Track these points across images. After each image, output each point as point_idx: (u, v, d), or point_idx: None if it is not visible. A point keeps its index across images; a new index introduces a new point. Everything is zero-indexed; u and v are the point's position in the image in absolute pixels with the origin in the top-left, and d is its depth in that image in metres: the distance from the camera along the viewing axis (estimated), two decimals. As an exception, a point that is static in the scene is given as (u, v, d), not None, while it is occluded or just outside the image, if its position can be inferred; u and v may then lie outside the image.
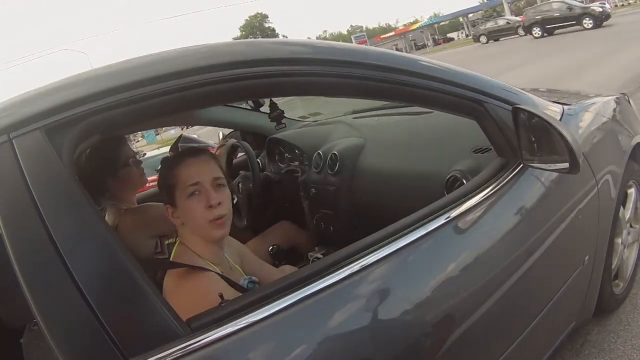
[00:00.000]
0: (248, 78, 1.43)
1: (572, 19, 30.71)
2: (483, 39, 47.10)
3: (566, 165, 1.67)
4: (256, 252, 2.56)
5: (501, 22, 48.89)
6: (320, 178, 3.20)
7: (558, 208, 2.00)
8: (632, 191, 2.90)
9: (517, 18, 50.48)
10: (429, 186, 2.37)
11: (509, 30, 45.07)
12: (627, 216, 2.83)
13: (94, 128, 1.29)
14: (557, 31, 31.49)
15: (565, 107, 2.41)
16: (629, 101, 3.26)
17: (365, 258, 1.44)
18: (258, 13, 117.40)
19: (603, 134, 2.54)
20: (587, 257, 2.25)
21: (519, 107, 1.80)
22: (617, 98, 3.04)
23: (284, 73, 1.49)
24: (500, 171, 1.86)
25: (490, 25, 49.66)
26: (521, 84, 2.66)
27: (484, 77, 1.96)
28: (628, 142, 2.75)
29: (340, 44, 1.73)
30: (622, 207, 2.72)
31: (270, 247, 2.96)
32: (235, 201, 3.25)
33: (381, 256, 1.46)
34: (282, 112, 2.97)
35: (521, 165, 1.85)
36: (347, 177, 3.03)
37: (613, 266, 2.72)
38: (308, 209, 3.29)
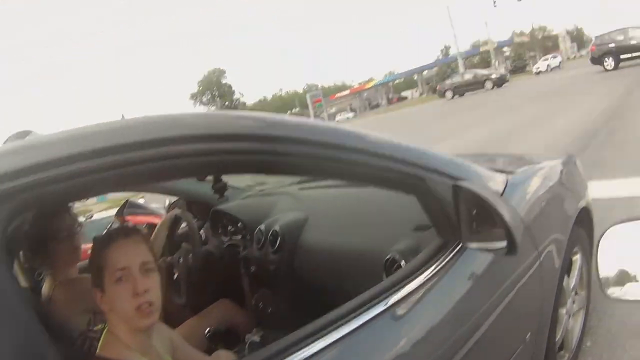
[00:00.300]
0: (194, 155, 1.34)
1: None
2: (449, 94, 47.28)
3: (504, 245, 1.64)
4: (193, 333, 2.53)
5: (468, 75, 49.16)
6: (261, 255, 3.12)
7: (498, 287, 1.93)
8: (577, 258, 2.86)
9: (484, 71, 51.53)
10: (369, 267, 2.29)
11: (477, 84, 45.50)
12: (572, 284, 2.78)
13: (31, 202, 1.19)
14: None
15: (510, 176, 2.36)
16: (575, 163, 3.28)
17: (299, 353, 1.36)
18: (216, 68, 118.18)
19: (547, 201, 2.52)
20: (529, 334, 2.18)
21: (458, 185, 1.75)
22: (563, 161, 3.06)
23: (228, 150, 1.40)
24: (439, 252, 1.79)
25: (456, 79, 49.76)
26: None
27: (426, 151, 1.88)
28: (573, 207, 2.75)
29: (285, 118, 1.65)
30: (566, 276, 2.67)
31: (207, 330, 2.85)
32: (175, 276, 3.17)
33: (315, 350, 1.38)
34: (225, 183, 2.92)
35: (460, 245, 1.79)
36: (288, 255, 2.96)
37: (557, 338, 2.65)
38: (248, 288, 3.24)
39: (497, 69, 65.96)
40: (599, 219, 4.62)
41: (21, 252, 2.45)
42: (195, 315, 3.01)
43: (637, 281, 1.15)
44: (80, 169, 1.18)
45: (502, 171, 2.43)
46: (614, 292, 1.20)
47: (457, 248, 1.79)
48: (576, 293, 2.86)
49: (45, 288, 2.49)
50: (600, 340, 3.16)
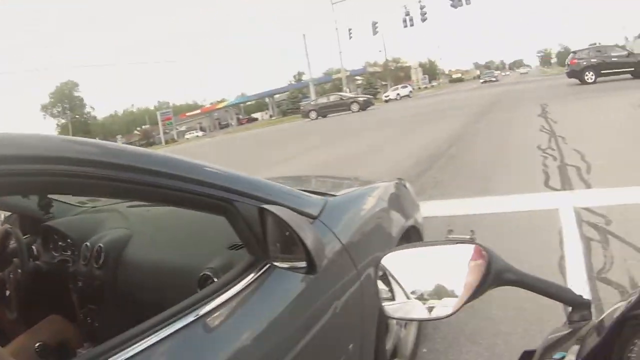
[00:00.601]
0: (26, 175, 1.35)
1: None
2: (313, 114, 48.05)
3: (304, 265, 1.70)
4: (23, 349, 2.49)
5: (334, 97, 49.98)
6: (87, 271, 3.06)
7: (312, 303, 2.01)
8: None
9: (351, 94, 52.64)
10: (186, 282, 2.31)
11: (342, 106, 46.40)
12: None
13: None
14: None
15: (330, 198, 2.45)
16: (405, 186, 3.44)
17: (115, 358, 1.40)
18: (69, 81, 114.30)
19: (369, 221, 2.63)
20: (352, 345, 2.27)
21: (264, 208, 1.80)
22: (392, 184, 3.21)
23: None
24: (249, 269, 1.86)
25: (321, 100, 50.55)
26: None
27: (234, 175, 1.94)
28: (399, 227, 2.86)
29: (107, 144, 1.65)
30: None
31: (37, 345, 2.70)
32: (7, 293, 3.10)
33: (130, 355, 1.42)
34: (50, 200, 2.97)
35: (269, 264, 1.85)
36: (112, 270, 2.93)
37: (388, 347, 2.77)
38: (77, 303, 3.14)
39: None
40: (436, 235, 4.87)
41: None
42: (25, 332, 2.92)
43: (408, 299, 1.28)
44: None
45: (323, 193, 2.53)
46: (391, 310, 1.32)
47: (266, 266, 1.85)
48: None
49: None
50: (437, 347, 3.36)
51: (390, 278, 1.33)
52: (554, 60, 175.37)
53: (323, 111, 47.27)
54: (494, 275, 1.13)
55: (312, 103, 50.88)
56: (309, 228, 1.75)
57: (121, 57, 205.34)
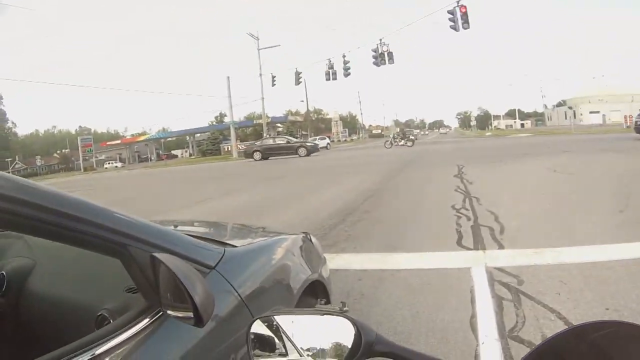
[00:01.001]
0: None
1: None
2: (257, 155, 48.27)
3: (192, 318, 1.67)
4: None
5: (280, 140, 50.70)
6: None
7: (205, 354, 1.97)
8: None
9: (295, 139, 53.23)
10: (84, 320, 2.27)
11: (289, 150, 47.21)
12: None
13: None
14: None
15: (228, 249, 2.42)
16: (310, 240, 3.41)
17: None
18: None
19: (270, 273, 2.61)
20: None
21: (155, 256, 1.74)
22: (297, 236, 3.21)
23: None
24: (143, 314, 1.82)
25: (267, 142, 51.06)
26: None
27: (129, 219, 1.92)
28: (302, 279, 2.85)
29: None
30: None
31: None
32: None
33: None
34: None
35: (161, 312, 1.82)
36: (14, 300, 2.85)
37: None
38: None
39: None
40: (347, 289, 4.54)
41: None
42: None
43: None
44: None
45: (224, 243, 2.54)
46: None
47: (159, 314, 1.83)
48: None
49: None
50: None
51: (262, 341, 1.38)
52: (473, 122, 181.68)
53: (267, 153, 47.48)
54: (364, 347, 1.14)
55: (257, 144, 50.97)
56: (198, 281, 1.72)
57: (48, 74, 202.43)
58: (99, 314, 2.18)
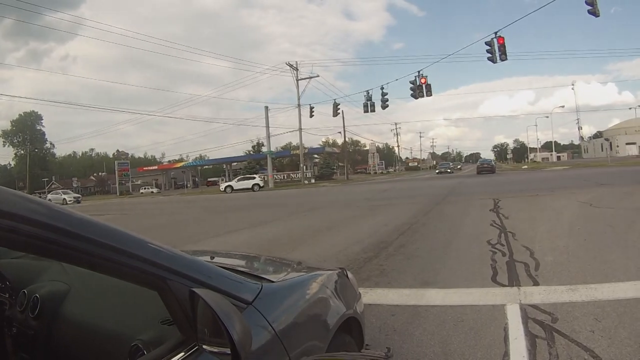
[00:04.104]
0: None
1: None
2: (228, 189, 54.20)
3: (229, 354, 1.68)
4: None
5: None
6: (23, 318, 2.97)
7: None
8: None
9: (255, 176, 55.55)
10: (116, 348, 2.29)
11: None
12: None
13: None
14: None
15: (265, 284, 2.42)
16: (346, 275, 3.41)
17: None
18: (33, 112, 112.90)
19: (306, 310, 2.59)
20: None
21: (194, 291, 1.78)
22: (334, 272, 3.21)
23: None
24: (177, 348, 1.83)
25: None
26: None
27: (170, 252, 1.93)
28: (337, 316, 2.83)
29: (41, 202, 1.60)
30: None
31: None
32: None
33: None
34: None
35: (197, 346, 1.82)
36: (47, 323, 2.84)
37: None
38: (10, 349, 3.03)
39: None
40: (379, 324, 4.54)
41: None
42: None
43: None
44: None
45: (261, 277, 2.55)
46: None
47: (194, 349, 1.82)
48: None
49: None
50: None
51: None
52: (509, 155, 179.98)
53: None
54: None
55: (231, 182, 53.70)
56: (237, 317, 1.74)
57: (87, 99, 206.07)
58: (133, 344, 2.18)
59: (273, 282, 2.55)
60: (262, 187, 65.65)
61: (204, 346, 1.79)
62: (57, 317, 2.88)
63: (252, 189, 63.71)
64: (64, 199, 66.56)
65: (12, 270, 3.44)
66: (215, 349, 1.76)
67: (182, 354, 1.81)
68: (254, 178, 68.14)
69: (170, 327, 2.12)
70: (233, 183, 68.04)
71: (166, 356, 1.80)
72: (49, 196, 70.05)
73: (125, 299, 2.68)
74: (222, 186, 68.87)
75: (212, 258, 3.01)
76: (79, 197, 70.57)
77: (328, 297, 2.90)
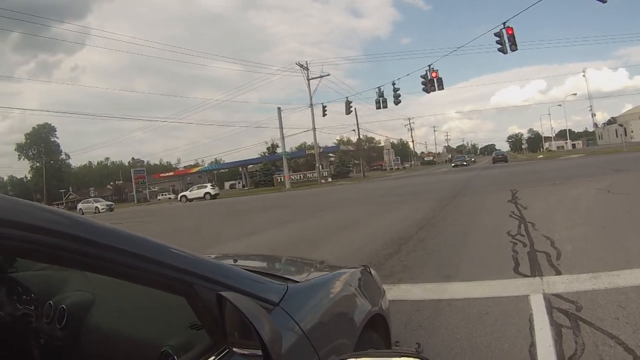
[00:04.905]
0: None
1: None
2: (183, 199, 59.77)
3: (260, 356, 1.68)
4: None
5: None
6: (50, 330, 2.98)
7: None
8: None
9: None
10: (145, 355, 2.31)
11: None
12: None
13: None
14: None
15: (291, 284, 2.42)
16: (370, 272, 3.41)
17: None
18: (46, 124, 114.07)
19: (332, 308, 2.59)
20: None
21: (222, 294, 1.78)
22: (357, 270, 3.20)
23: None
24: (208, 353, 1.84)
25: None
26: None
27: (195, 258, 1.94)
28: (364, 313, 2.83)
29: (63, 214, 1.60)
30: None
31: None
32: None
33: None
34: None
35: (227, 350, 1.82)
36: (74, 333, 2.86)
37: None
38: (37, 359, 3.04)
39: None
40: (404, 320, 4.72)
41: None
42: None
43: None
44: None
45: (285, 278, 2.55)
46: None
47: (225, 352, 1.83)
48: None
49: None
50: None
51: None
52: (524, 145, 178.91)
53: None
54: None
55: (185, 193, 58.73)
56: (266, 319, 1.74)
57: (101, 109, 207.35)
58: (162, 350, 2.19)
59: (298, 282, 2.56)
60: (214, 195, 69.07)
61: (234, 349, 1.79)
62: (84, 326, 2.90)
63: (204, 197, 67.80)
64: (97, 207, 67.19)
65: (36, 282, 3.48)
66: (245, 351, 1.77)
67: (213, 357, 1.81)
68: (207, 187, 72.31)
69: (198, 331, 2.12)
70: (187, 193, 72.47)
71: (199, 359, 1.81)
72: (80, 205, 70.99)
73: (151, 305, 2.70)
74: (178, 196, 74.54)
75: (235, 261, 3.01)
76: (111, 204, 70.70)
77: (353, 294, 2.91)
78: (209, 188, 71.48)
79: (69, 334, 2.86)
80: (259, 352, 1.69)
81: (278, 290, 2.28)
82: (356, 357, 1.46)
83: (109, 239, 1.63)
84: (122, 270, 1.68)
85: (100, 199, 76.90)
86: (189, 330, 2.24)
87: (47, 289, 3.33)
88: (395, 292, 6.68)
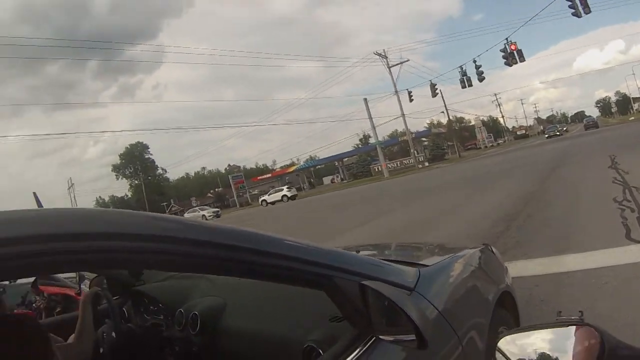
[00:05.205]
0: (116, 251, 1.37)
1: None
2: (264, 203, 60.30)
3: (415, 342, 1.69)
4: None
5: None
6: (184, 336, 3.11)
7: None
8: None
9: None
10: (287, 353, 2.34)
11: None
12: None
13: None
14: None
15: (422, 269, 2.42)
16: (492, 250, 3.42)
17: None
18: (139, 142, 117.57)
19: (465, 289, 2.61)
20: None
21: (365, 284, 1.80)
22: (479, 249, 3.19)
23: (155, 250, 1.45)
24: (354, 343, 1.84)
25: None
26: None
27: (333, 251, 1.99)
28: (493, 291, 2.84)
29: (200, 223, 1.67)
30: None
31: None
32: (101, 351, 3.10)
33: None
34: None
35: (374, 337, 1.83)
36: (209, 338, 2.97)
37: None
38: None
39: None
40: (525, 296, 4.74)
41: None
42: None
43: None
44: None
45: (415, 264, 2.54)
46: None
47: (371, 340, 1.84)
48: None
49: None
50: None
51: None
52: (614, 109, 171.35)
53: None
54: (608, 354, 1.14)
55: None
56: (411, 303, 1.75)
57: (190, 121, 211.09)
58: (305, 345, 2.19)
59: (427, 266, 2.55)
60: (292, 196, 71.86)
61: (381, 337, 1.80)
62: (219, 330, 2.96)
63: (281, 199, 70.22)
64: (203, 215, 67.90)
65: (163, 293, 3.62)
66: (392, 338, 1.78)
67: (360, 347, 1.81)
68: (283, 190, 75.63)
69: (339, 323, 2.14)
70: (267, 197, 76.64)
71: (346, 352, 1.81)
72: (186, 215, 71.50)
73: (285, 303, 2.74)
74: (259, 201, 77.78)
75: (358, 252, 2.86)
76: (217, 211, 71.74)
77: (481, 273, 2.91)
78: (285, 191, 74.27)
79: (204, 339, 2.95)
80: (406, 337, 1.72)
81: (412, 276, 2.29)
82: (518, 331, 1.44)
83: (246, 242, 1.67)
84: (262, 271, 1.72)
85: (205, 207, 78.31)
86: (330, 322, 2.26)
87: (174, 297, 3.44)
88: (511, 269, 6.15)
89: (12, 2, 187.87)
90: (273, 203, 69.82)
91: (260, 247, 1.69)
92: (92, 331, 2.91)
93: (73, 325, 2.89)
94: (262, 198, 76.49)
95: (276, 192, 74.62)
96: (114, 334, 3.11)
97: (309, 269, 1.79)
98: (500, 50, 42.64)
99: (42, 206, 2.55)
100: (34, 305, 6.75)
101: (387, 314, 1.76)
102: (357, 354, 1.79)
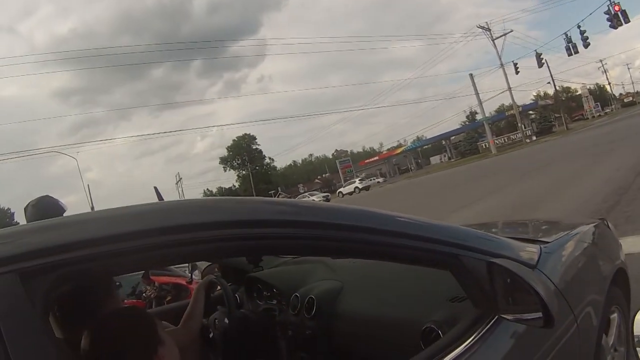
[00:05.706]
0: (237, 239, 1.40)
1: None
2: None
3: (539, 316, 1.67)
4: None
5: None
6: (298, 321, 3.14)
7: (536, 352, 1.93)
8: (614, 316, 2.81)
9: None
10: (406, 335, 2.31)
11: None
12: (611, 342, 2.73)
13: (74, 276, 1.23)
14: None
15: (543, 246, 2.38)
16: (608, 226, 3.31)
17: None
18: (246, 134, 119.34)
19: (582, 266, 2.55)
20: None
21: (493, 262, 1.78)
22: (596, 225, 3.09)
23: (276, 236, 1.47)
24: (477, 323, 1.81)
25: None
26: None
27: (460, 229, 1.98)
28: (609, 269, 2.77)
29: (321, 204, 1.71)
30: (604, 335, 2.61)
31: None
32: (211, 335, 3.17)
33: None
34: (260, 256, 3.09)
35: (497, 317, 1.81)
36: (324, 321, 2.97)
37: None
38: (285, 351, 3.17)
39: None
40: (636, 273, 4.26)
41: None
42: None
43: None
44: (129, 247, 1.23)
45: (535, 240, 2.51)
46: None
47: (494, 320, 1.81)
48: (615, 349, 2.79)
49: None
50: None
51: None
52: None
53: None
54: None
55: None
56: (540, 280, 1.73)
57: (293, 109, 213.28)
58: (424, 327, 2.16)
59: (548, 242, 2.48)
60: (364, 187, 74.29)
61: (504, 316, 1.78)
62: (335, 314, 2.97)
63: (354, 191, 73.68)
64: (313, 200, 66.93)
65: (278, 278, 3.67)
66: (516, 317, 1.76)
67: (482, 327, 1.78)
68: (355, 182, 78.28)
69: (460, 303, 2.14)
70: (342, 189, 79.38)
71: (467, 332, 1.77)
72: None
73: (403, 284, 2.73)
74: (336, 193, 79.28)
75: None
76: (327, 195, 71.72)
77: (598, 250, 2.83)
78: (357, 183, 76.55)
79: (319, 323, 2.96)
80: (531, 316, 1.69)
81: (534, 253, 2.25)
82: None
83: (370, 222, 1.68)
84: (385, 251, 1.72)
85: (315, 192, 78.64)
86: (450, 303, 2.24)
87: (290, 282, 3.48)
88: (622, 245, 6.01)
89: (110, 16, 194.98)
90: (350, 194, 71.59)
91: (386, 227, 1.70)
92: (200, 315, 2.98)
93: (184, 313, 2.97)
94: (339, 190, 79.35)
95: (350, 184, 77.19)
96: (226, 319, 3.14)
97: (435, 248, 1.77)
98: (604, 13, 41.26)
99: (162, 199, 2.83)
100: (144, 295, 7.35)
101: (512, 293, 1.75)
102: (479, 334, 1.77)
